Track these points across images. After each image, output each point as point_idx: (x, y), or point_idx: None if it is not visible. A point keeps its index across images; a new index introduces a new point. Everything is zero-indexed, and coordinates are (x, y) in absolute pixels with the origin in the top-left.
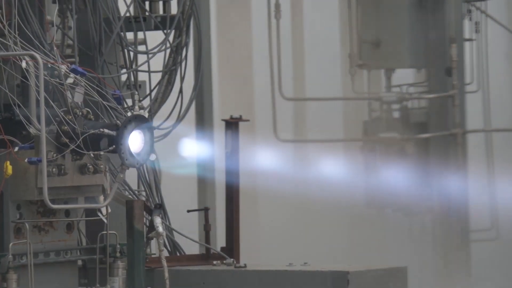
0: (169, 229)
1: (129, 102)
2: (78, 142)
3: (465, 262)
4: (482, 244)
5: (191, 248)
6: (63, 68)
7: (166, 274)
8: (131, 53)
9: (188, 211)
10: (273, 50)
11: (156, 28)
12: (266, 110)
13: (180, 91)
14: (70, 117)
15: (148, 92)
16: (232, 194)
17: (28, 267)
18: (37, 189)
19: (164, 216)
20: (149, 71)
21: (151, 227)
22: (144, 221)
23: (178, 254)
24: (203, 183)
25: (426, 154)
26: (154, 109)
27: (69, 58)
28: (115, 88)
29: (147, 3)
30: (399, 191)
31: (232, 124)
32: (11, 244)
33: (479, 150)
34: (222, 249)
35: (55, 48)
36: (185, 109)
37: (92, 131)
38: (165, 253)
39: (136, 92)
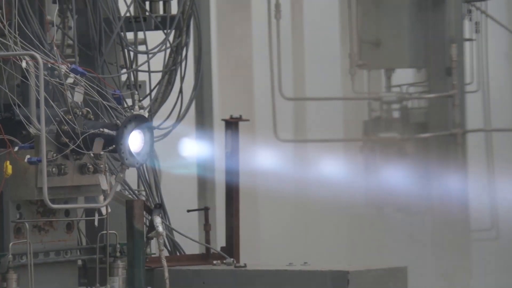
0: (169, 229)
1: (129, 102)
2: (78, 142)
3: (465, 262)
4: (482, 244)
5: (191, 248)
6: (63, 68)
7: (166, 274)
8: (131, 53)
9: (188, 211)
10: (273, 50)
11: (156, 28)
12: (266, 110)
13: (180, 91)
14: (70, 117)
15: (148, 92)
16: (232, 194)
17: (28, 267)
18: (37, 189)
19: (164, 216)
20: (149, 71)
21: (151, 227)
22: (144, 221)
23: (178, 254)
24: (203, 183)
25: (426, 154)
26: (154, 109)
27: (69, 58)
28: (115, 88)
29: (147, 3)
30: (399, 191)
31: (232, 124)
32: (11, 244)
33: (479, 150)
34: (222, 249)
35: (55, 48)
36: (185, 109)
37: (92, 131)
38: (165, 253)
39: (136, 92)
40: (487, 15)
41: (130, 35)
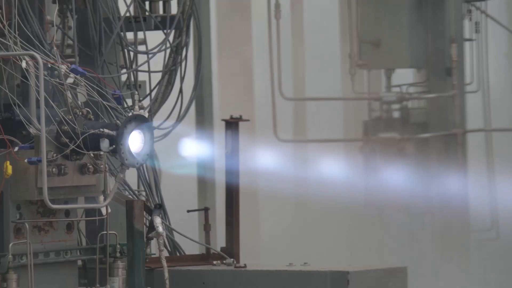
0: (169, 229)
1: (129, 102)
2: (78, 142)
3: (465, 262)
4: (482, 244)
5: (191, 248)
6: (63, 68)
7: (166, 274)
8: (131, 53)
9: (188, 211)
10: (273, 50)
11: (156, 28)
12: (266, 110)
13: (180, 91)
14: (70, 117)
15: (148, 92)
16: (232, 194)
17: (28, 267)
18: (37, 189)
19: (164, 216)
20: (149, 71)
21: (151, 227)
22: (144, 221)
23: (178, 254)
24: (203, 183)
25: (426, 154)
26: (154, 109)
27: (69, 58)
28: (115, 88)
29: (147, 3)
30: (399, 191)
31: (232, 124)
32: (11, 244)
33: (479, 150)
34: (222, 249)
35: (55, 48)
36: (185, 109)
37: (92, 131)
38: (165, 253)
39: (136, 92)
40: (487, 15)
41: (130, 35)
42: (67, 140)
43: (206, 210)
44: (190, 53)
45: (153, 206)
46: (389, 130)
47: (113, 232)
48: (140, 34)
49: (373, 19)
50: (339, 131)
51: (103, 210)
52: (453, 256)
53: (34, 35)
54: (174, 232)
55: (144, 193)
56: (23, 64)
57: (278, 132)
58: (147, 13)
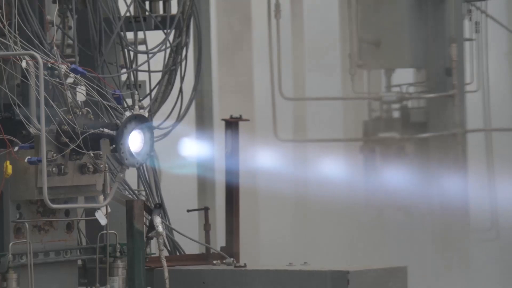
0: (169, 229)
1: (129, 101)
2: (78, 142)
3: (465, 262)
4: (482, 244)
5: (191, 248)
6: (63, 68)
7: (166, 274)
8: (131, 53)
9: (188, 211)
10: (273, 50)
11: (156, 28)
12: (266, 110)
13: (180, 91)
14: (70, 117)
15: (148, 92)
16: (232, 194)
17: (28, 267)
18: (37, 189)
19: (164, 216)
20: (149, 71)
21: (151, 227)
22: (144, 221)
23: (178, 254)
24: (203, 183)
25: (426, 154)
26: (154, 109)
27: (69, 58)
28: (115, 87)
29: (147, 3)
30: (399, 191)
31: (232, 124)
32: (11, 244)
33: (479, 150)
34: (222, 249)
35: (55, 48)
36: (185, 109)
37: (92, 131)
38: (165, 253)
39: (136, 92)
40: (487, 15)
41: (130, 35)
42: (67, 140)
43: (206, 210)
44: (190, 53)
45: (153, 206)
46: (389, 130)
47: (113, 231)
48: (140, 34)
49: (373, 19)
50: (339, 131)
51: (103, 210)
52: (453, 256)
53: (34, 35)
54: (174, 232)
55: (144, 193)
56: (23, 64)
57: (278, 132)
58: (147, 13)
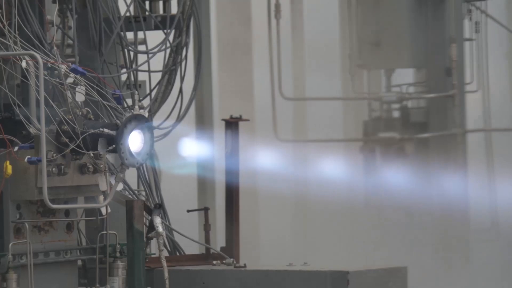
0: (169, 229)
1: (129, 101)
2: (78, 142)
3: (465, 262)
4: (482, 244)
5: (191, 248)
6: (63, 68)
7: (166, 274)
8: (131, 53)
9: (188, 211)
10: (273, 50)
11: (156, 28)
12: (266, 110)
13: (180, 91)
14: (70, 117)
15: (148, 92)
16: (232, 194)
17: (28, 267)
18: (37, 189)
19: (164, 216)
20: (149, 71)
21: (151, 227)
22: (144, 221)
23: (178, 254)
24: (203, 183)
25: (426, 154)
26: (154, 109)
27: (69, 58)
28: (115, 87)
29: (147, 3)
30: (398, 191)
31: (232, 124)
32: (11, 244)
33: (479, 150)
34: (222, 249)
35: (55, 48)
36: (185, 109)
37: (92, 131)
38: (165, 253)
39: (136, 92)
40: (487, 15)
41: (130, 35)
42: (67, 140)
43: (206, 210)
44: (190, 53)
45: (153, 206)
46: (389, 130)
47: (113, 232)
48: (140, 34)
49: (373, 19)
50: (339, 131)
51: (103, 210)
52: (453, 256)
53: (34, 35)
54: (174, 232)
55: (144, 193)
56: (23, 64)
57: (278, 132)
58: (147, 13)
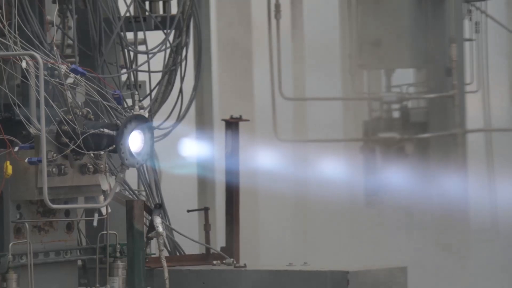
0: (169, 229)
1: (129, 102)
2: (78, 142)
3: (465, 262)
4: (482, 244)
5: (191, 248)
6: (63, 68)
7: (166, 274)
8: (131, 53)
9: (188, 211)
10: (273, 50)
11: (156, 28)
12: (266, 110)
13: (180, 91)
14: (70, 117)
15: (148, 92)
16: (232, 194)
17: (28, 267)
18: (37, 189)
19: (164, 216)
20: (149, 71)
21: (151, 227)
22: (144, 221)
23: (178, 254)
24: (203, 183)
25: (426, 154)
26: (154, 109)
27: (69, 58)
28: (115, 88)
29: (147, 3)
30: (399, 191)
31: (232, 124)
32: (11, 244)
33: (479, 150)
34: (222, 249)
35: (55, 48)
36: (185, 109)
37: (92, 131)
38: (165, 253)
39: (136, 92)
40: (487, 15)
41: (130, 35)
42: (67, 140)
43: (206, 210)
44: (190, 53)
45: (153, 206)
46: (389, 130)
47: (113, 232)
48: (140, 34)
49: (373, 19)
50: (339, 131)
51: (103, 210)
52: (453, 256)
53: (34, 35)
54: (174, 232)
55: (144, 193)
56: (23, 64)
57: (278, 132)
58: (147, 13)
